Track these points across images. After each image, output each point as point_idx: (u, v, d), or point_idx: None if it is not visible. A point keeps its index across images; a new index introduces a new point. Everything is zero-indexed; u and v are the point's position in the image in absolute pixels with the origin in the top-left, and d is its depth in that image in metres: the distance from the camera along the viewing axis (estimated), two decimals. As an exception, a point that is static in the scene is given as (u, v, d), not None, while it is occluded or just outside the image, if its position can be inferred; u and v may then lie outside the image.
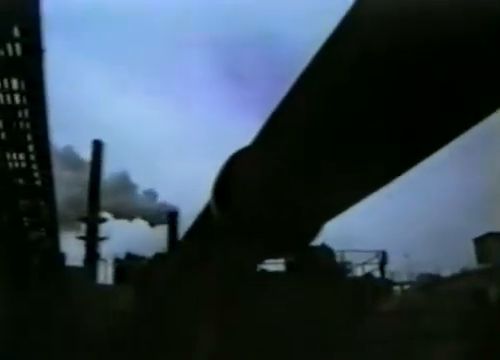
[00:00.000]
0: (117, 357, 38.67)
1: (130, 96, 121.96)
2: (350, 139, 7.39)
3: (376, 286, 22.78)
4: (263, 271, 20.46)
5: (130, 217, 64.89)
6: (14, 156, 16.90)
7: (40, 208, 19.60)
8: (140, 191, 67.65)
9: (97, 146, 57.93)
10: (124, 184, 65.53)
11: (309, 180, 10.02)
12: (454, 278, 41.43)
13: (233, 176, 14.68)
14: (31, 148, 16.53)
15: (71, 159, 61.37)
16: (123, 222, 64.06)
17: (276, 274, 20.81)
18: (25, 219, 19.76)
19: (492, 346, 26.89)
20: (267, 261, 20.55)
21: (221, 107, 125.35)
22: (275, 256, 20.89)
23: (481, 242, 45.71)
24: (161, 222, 60.56)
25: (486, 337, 30.45)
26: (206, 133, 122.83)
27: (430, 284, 45.20)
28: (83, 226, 57.03)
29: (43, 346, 25.65)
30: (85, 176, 58.10)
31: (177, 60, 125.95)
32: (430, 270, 50.98)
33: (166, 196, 66.36)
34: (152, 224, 63.36)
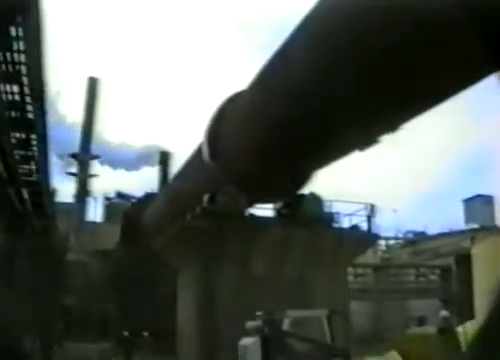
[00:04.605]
0: (101, 294, 39.24)
1: (130, 40, 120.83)
2: (344, 89, 7.35)
3: (361, 238, 22.89)
4: (251, 215, 20.54)
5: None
6: (8, 88, 16.64)
7: (31, 141, 19.45)
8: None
9: (92, 83, 57.25)
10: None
11: (301, 126, 10.02)
12: (439, 237, 41.91)
13: (225, 120, 14.63)
14: (25, 80, 16.24)
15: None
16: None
17: (264, 219, 20.89)
18: (15, 152, 19.59)
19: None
20: (256, 206, 20.69)
21: (221, 52, 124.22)
22: (264, 201, 20.98)
23: (470, 203, 46.21)
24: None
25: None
26: (204, 76, 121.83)
27: (415, 241, 45.79)
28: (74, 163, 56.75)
29: (27, 279, 25.95)
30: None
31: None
32: (417, 227, 51.71)
33: (160, 137, 66.34)
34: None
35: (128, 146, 66.00)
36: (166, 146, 61.78)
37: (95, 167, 58.15)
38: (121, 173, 65.91)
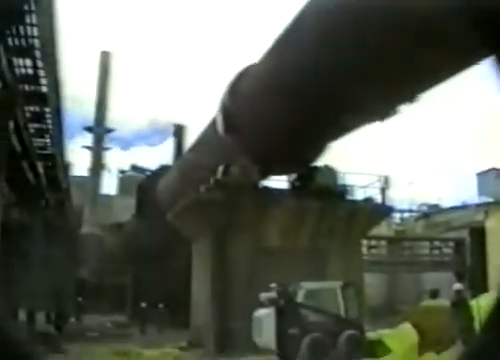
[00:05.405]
0: (117, 268, 39.60)
1: (142, 12, 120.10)
2: (359, 58, 7.29)
3: (375, 210, 22.78)
4: (265, 187, 20.46)
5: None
6: (21, 62, 16.63)
7: (46, 115, 19.48)
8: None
9: (105, 57, 57.09)
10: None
11: (315, 98, 9.95)
12: (453, 210, 41.80)
13: (239, 92, 14.56)
14: (38, 54, 16.21)
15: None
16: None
17: (278, 191, 20.82)
18: (30, 126, 19.62)
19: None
20: (270, 178, 20.65)
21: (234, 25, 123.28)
22: (278, 173, 20.93)
23: (484, 177, 45.92)
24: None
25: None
26: (218, 49, 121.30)
27: (429, 214, 45.69)
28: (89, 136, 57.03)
29: (41, 252, 26.20)
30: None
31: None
32: (432, 200, 51.60)
33: (174, 110, 66.22)
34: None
35: (130, 122, 66.45)
36: (180, 119, 61.61)
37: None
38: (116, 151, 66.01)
